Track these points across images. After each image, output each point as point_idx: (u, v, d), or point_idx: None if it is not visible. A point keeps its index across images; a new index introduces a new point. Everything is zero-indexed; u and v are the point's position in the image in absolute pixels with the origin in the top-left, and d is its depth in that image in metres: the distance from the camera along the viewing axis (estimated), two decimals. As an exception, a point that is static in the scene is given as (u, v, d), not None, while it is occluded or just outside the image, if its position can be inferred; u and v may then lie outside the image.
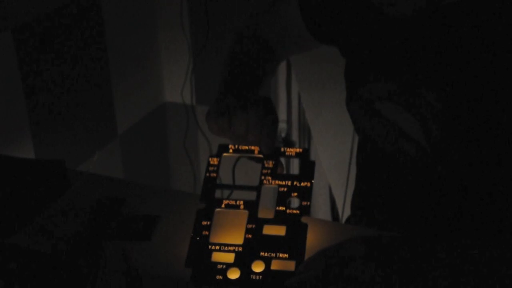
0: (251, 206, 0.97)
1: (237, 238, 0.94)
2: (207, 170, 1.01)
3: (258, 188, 0.99)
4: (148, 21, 2.38)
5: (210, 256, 0.93)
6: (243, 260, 0.91)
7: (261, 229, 0.94)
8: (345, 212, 1.84)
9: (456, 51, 1.00)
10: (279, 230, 0.94)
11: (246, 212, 0.96)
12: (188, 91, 2.44)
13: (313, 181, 0.98)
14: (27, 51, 1.84)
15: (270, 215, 0.96)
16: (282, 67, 2.22)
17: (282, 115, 2.35)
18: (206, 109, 1.51)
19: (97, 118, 2.19)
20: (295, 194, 0.97)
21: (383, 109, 1.07)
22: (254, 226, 0.95)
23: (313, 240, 0.99)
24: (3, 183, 1.14)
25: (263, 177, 1.00)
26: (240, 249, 0.93)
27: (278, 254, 0.92)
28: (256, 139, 1.02)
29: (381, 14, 1.02)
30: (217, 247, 0.93)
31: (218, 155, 1.03)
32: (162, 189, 1.20)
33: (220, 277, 0.90)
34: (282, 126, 2.35)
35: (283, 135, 2.36)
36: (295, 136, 2.37)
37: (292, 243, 0.93)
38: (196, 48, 2.38)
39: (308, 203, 0.96)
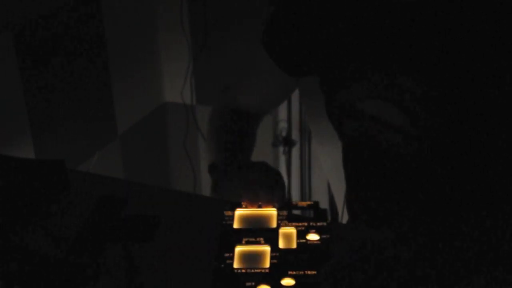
0: (272, 241, 0.98)
1: (262, 264, 0.94)
2: (223, 220, 1.03)
3: (275, 230, 1.00)
4: (148, 21, 2.38)
5: (237, 277, 0.92)
6: (272, 278, 0.91)
7: (285, 257, 0.95)
8: (344, 212, 1.84)
9: (430, 36, 1.03)
10: (303, 257, 0.95)
11: (268, 246, 0.97)
12: (188, 91, 2.44)
13: (328, 221, 1.01)
14: (27, 51, 1.84)
15: (292, 246, 0.97)
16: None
17: (282, 115, 2.35)
18: (206, 109, 1.50)
19: (97, 118, 2.19)
20: (313, 230, 0.99)
21: (366, 107, 1.09)
22: (277, 254, 0.95)
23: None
24: (3, 183, 1.14)
25: (279, 221, 1.02)
26: (267, 271, 0.93)
27: (306, 271, 0.92)
28: (268, 193, 1.04)
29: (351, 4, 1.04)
30: (243, 271, 0.93)
31: (232, 209, 1.05)
32: (162, 189, 1.20)
33: None
34: (282, 125, 2.35)
35: (283, 134, 2.37)
36: (295, 136, 2.37)
37: (319, 264, 0.93)
38: (196, 48, 2.38)
39: (328, 236, 0.98)
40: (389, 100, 1.06)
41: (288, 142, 2.37)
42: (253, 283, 0.90)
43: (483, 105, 1.03)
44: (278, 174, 1.07)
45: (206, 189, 2.56)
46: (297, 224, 1.01)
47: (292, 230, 1.00)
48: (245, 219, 1.03)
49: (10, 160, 1.22)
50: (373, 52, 1.08)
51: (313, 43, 1.15)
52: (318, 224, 1.00)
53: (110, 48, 2.17)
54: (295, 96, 2.25)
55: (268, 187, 1.04)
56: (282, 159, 2.42)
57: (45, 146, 1.95)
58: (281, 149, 2.40)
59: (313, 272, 0.91)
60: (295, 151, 2.39)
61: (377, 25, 1.07)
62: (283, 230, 1.00)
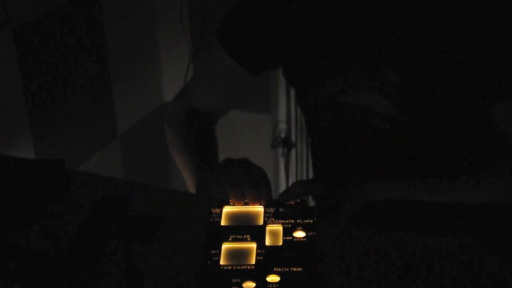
0: (259, 238, 0.99)
1: (248, 261, 0.95)
2: (211, 217, 1.03)
3: (262, 227, 1.01)
4: (148, 21, 2.38)
5: (223, 273, 0.93)
6: (257, 275, 0.92)
7: (271, 254, 0.96)
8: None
9: (410, 28, 1.06)
10: (289, 254, 0.96)
11: (254, 243, 0.98)
12: (188, 91, 2.44)
13: (315, 219, 1.01)
14: (27, 51, 1.84)
15: (278, 243, 0.98)
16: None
17: (281, 115, 2.35)
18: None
19: (97, 118, 2.19)
20: (300, 228, 1.00)
21: (348, 99, 1.12)
22: (263, 251, 0.96)
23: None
24: (3, 183, 1.14)
25: (266, 219, 1.02)
26: (253, 267, 0.94)
27: (291, 268, 0.93)
28: (255, 192, 1.05)
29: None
30: (230, 268, 0.94)
31: (220, 206, 1.05)
32: (162, 189, 1.20)
33: None
34: (282, 126, 2.35)
35: (282, 135, 2.37)
36: (294, 137, 2.37)
37: (304, 261, 0.94)
38: (196, 48, 2.38)
39: (314, 233, 0.99)
40: (375, 91, 1.09)
41: (287, 143, 2.37)
42: (238, 280, 0.91)
43: (462, 92, 1.08)
44: (263, 172, 1.07)
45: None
46: (283, 221, 1.01)
47: (278, 228, 1.00)
48: (232, 216, 1.04)
49: (10, 160, 1.22)
50: (354, 47, 1.10)
51: (281, 41, 1.16)
52: (305, 221, 1.01)
53: (110, 48, 2.17)
54: (295, 97, 2.26)
55: (254, 185, 1.04)
56: (281, 160, 2.42)
57: (45, 146, 1.95)
58: (280, 150, 2.40)
59: (299, 269, 0.92)
60: (294, 152, 2.39)
61: (354, 19, 1.09)
62: (269, 227, 1.01)
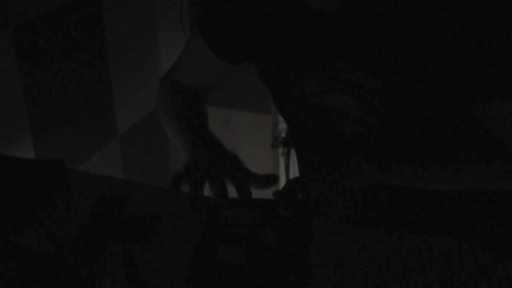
0: (253, 239, 0.99)
1: (240, 260, 0.95)
2: (208, 216, 1.05)
3: (258, 227, 1.02)
4: (148, 21, 2.38)
5: (214, 273, 0.94)
6: (248, 275, 0.93)
7: (264, 254, 0.96)
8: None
9: (385, 32, 1.05)
10: (281, 255, 0.96)
11: (247, 243, 0.98)
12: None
13: (312, 220, 1.02)
14: (27, 51, 1.84)
15: (272, 243, 0.98)
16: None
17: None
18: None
19: (97, 118, 2.19)
20: (295, 228, 1.01)
21: (322, 101, 1.12)
22: (256, 251, 0.97)
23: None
24: (3, 183, 1.14)
25: (262, 219, 1.03)
26: (245, 267, 0.94)
27: (283, 269, 0.93)
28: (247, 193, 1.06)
29: (307, 8, 1.06)
30: (221, 266, 0.94)
31: (218, 205, 1.06)
32: (162, 189, 1.20)
33: None
34: (282, 126, 2.35)
35: (283, 135, 2.37)
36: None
37: (297, 263, 0.94)
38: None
39: (309, 234, 1.00)
40: (346, 93, 1.09)
41: (287, 143, 2.37)
42: (229, 279, 0.91)
43: (436, 93, 1.08)
44: (237, 160, 1.09)
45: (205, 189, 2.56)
46: (279, 222, 1.02)
47: (273, 228, 1.01)
48: (230, 215, 1.04)
49: (10, 160, 1.22)
50: (327, 49, 1.10)
51: (255, 36, 1.17)
52: (301, 222, 1.01)
53: (110, 48, 2.17)
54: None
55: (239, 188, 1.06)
56: (281, 160, 2.42)
57: (45, 146, 1.96)
58: (280, 150, 2.40)
59: (290, 270, 0.92)
60: (295, 152, 2.39)
61: (330, 25, 1.09)
62: (265, 227, 1.01)
